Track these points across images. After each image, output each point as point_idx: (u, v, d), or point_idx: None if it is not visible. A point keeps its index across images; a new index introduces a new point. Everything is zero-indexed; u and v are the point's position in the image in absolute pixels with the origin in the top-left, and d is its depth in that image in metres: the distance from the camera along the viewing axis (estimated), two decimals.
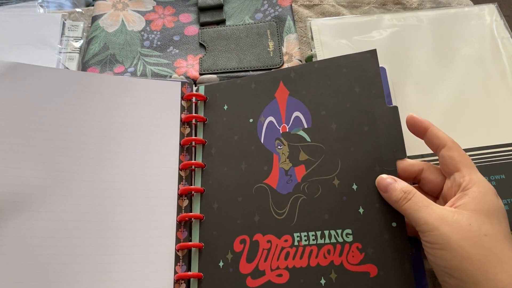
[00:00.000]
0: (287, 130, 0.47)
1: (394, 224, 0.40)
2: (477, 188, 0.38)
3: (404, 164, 0.42)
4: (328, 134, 0.45)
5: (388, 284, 0.39)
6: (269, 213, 0.44)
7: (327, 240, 0.42)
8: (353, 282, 0.40)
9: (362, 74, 0.46)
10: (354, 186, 0.42)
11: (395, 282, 0.39)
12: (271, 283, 0.42)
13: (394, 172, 0.42)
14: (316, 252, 0.41)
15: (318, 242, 0.42)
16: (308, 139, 0.46)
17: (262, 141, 0.48)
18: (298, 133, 0.47)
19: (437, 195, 0.43)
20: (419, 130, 0.43)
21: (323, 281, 0.40)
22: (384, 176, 0.41)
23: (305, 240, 0.42)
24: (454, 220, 0.36)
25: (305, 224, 0.43)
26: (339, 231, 0.42)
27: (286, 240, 0.43)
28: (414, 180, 0.43)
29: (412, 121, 0.43)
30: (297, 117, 0.47)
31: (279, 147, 0.47)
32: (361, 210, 0.41)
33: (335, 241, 0.41)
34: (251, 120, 0.49)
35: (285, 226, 0.43)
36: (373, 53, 0.47)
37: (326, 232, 0.42)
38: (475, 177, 0.39)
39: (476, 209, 0.37)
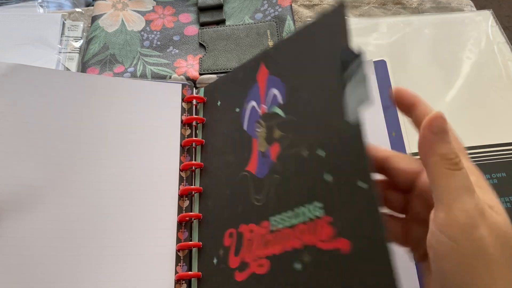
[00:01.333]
0: (266, 111, 0.44)
1: (364, 185, 0.32)
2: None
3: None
4: (299, 104, 0.40)
5: (363, 259, 0.31)
6: (249, 201, 0.41)
7: (300, 219, 0.36)
8: (326, 262, 0.33)
9: (330, 31, 0.39)
10: (322, 153, 0.36)
11: (371, 257, 0.31)
12: (255, 275, 0.39)
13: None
14: (291, 234, 0.37)
15: (292, 223, 0.37)
16: (282, 114, 0.42)
17: (245, 128, 0.45)
18: (274, 110, 0.43)
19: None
20: (405, 104, 0.36)
21: (298, 266, 0.35)
22: (439, 114, 0.31)
23: (281, 223, 0.38)
24: (494, 223, 0.28)
25: (280, 206, 0.38)
26: (309, 206, 0.36)
27: (265, 227, 0.39)
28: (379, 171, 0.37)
29: (399, 93, 0.36)
30: (274, 94, 0.44)
31: (258, 130, 0.44)
32: (328, 178, 0.35)
33: (307, 218, 0.36)
34: (237, 110, 0.46)
35: (263, 211, 0.40)
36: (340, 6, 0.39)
37: (299, 210, 0.37)
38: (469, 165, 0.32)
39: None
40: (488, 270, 0.26)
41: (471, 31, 0.61)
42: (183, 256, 0.45)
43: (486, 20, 0.62)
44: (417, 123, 0.35)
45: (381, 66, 0.46)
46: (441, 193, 0.29)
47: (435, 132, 0.30)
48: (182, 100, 0.53)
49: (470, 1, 0.67)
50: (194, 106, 0.53)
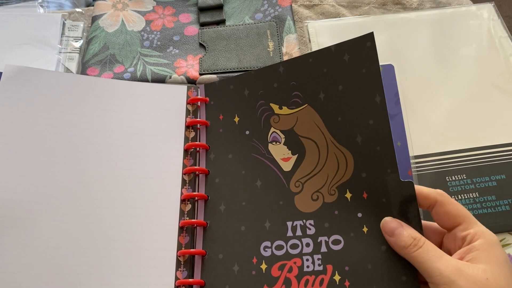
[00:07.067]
0: None
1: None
2: (484, 240, 0.36)
3: None
4: None
5: None
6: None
7: None
8: None
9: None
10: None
11: None
12: None
13: None
14: None
15: None
16: None
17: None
18: None
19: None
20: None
21: None
22: (388, 219, 0.38)
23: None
24: (471, 274, 0.33)
25: None
26: None
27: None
28: None
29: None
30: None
31: None
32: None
33: None
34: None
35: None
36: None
37: None
38: (479, 229, 0.36)
39: (489, 262, 0.34)
40: None
41: (472, 25, 0.60)
42: (184, 262, 0.45)
43: (488, 14, 0.60)
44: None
45: (388, 71, 0.43)
46: (420, 269, 0.35)
47: (390, 234, 0.37)
48: (187, 102, 0.53)
49: (470, 1, 0.67)
50: (198, 108, 0.53)
